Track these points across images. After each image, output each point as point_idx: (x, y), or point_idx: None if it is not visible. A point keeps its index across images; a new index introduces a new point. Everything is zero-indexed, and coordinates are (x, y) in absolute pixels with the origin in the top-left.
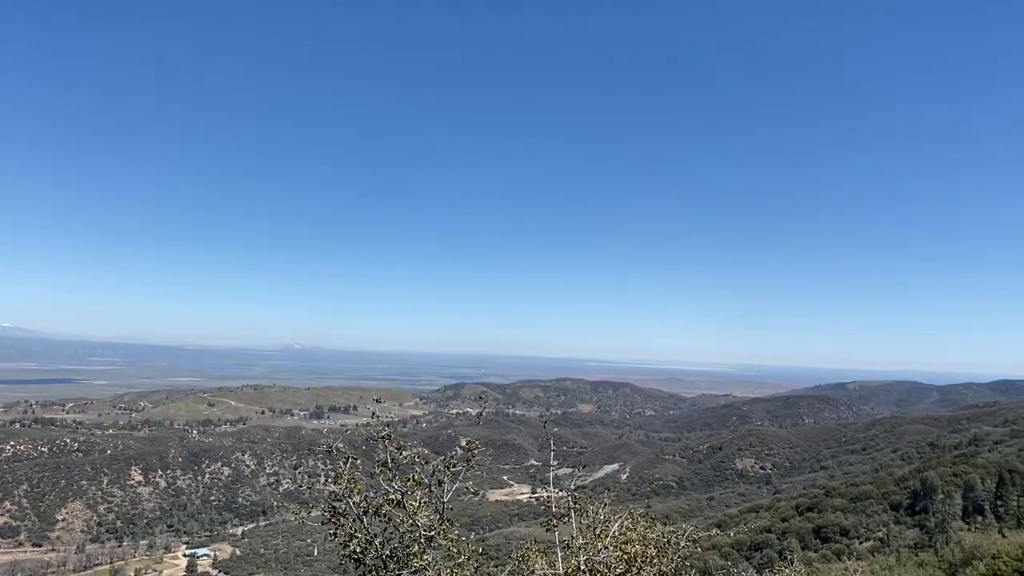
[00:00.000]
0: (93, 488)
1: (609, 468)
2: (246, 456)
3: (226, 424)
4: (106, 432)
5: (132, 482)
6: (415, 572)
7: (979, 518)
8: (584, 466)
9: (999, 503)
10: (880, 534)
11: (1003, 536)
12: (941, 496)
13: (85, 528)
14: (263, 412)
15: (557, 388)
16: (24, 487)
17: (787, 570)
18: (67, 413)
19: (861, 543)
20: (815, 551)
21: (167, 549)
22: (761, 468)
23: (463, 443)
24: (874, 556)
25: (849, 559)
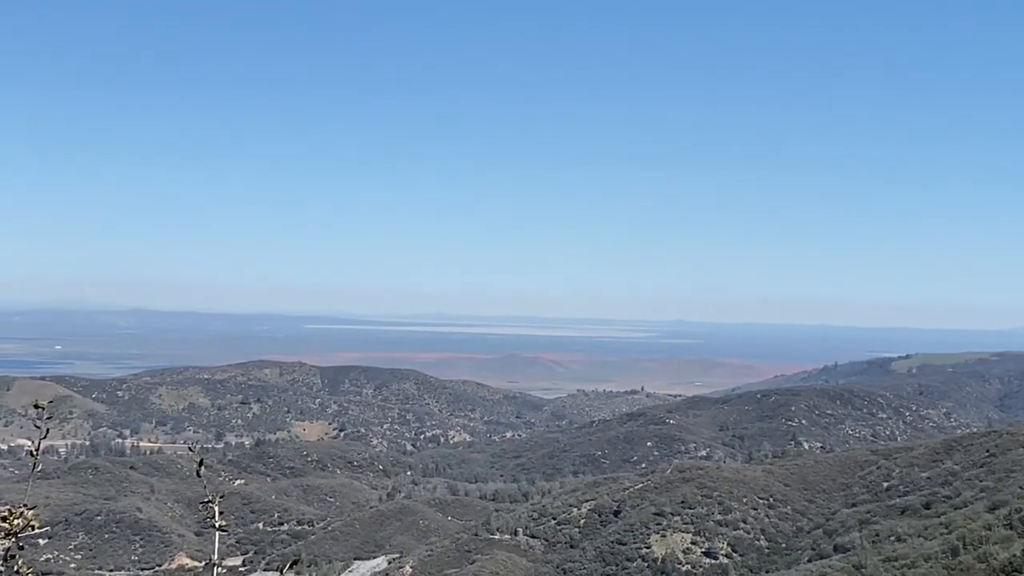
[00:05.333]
0: None
1: (365, 568)
2: None
3: None
4: None
5: None
6: None
7: None
8: (304, 565)
9: None
10: None
11: None
12: None
13: None
14: None
15: (243, 384)
16: None
17: None
18: None
19: None
20: None
21: None
22: (707, 555)
23: (3, 515)
24: None
25: None
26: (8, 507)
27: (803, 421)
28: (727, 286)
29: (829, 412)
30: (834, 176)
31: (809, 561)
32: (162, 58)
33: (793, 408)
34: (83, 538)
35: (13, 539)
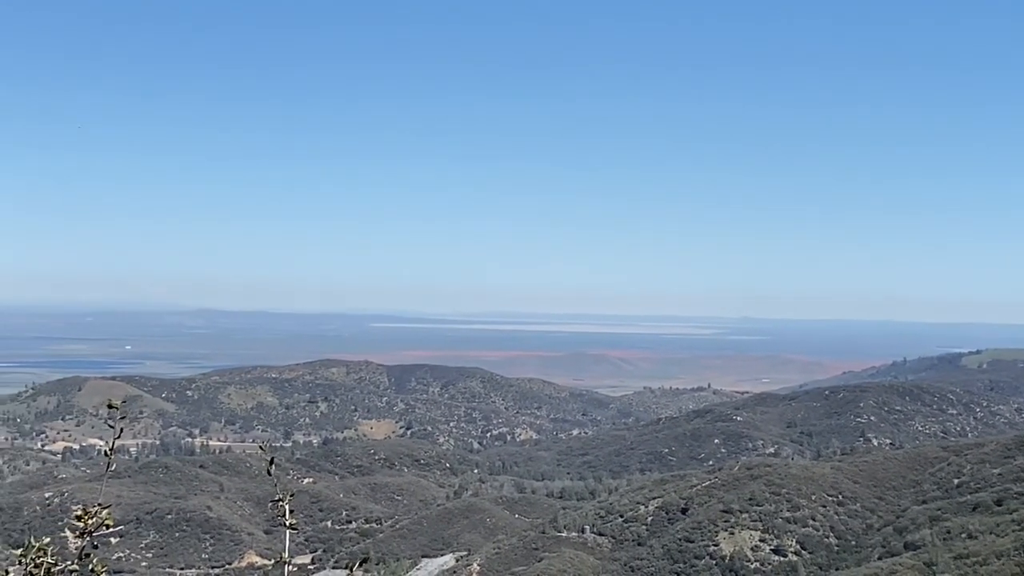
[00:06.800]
0: None
1: (433, 566)
2: None
3: None
4: None
5: None
6: None
7: None
8: (372, 563)
9: None
10: None
11: None
12: None
13: None
14: None
15: (311, 383)
16: None
17: None
18: None
19: None
20: None
21: None
22: (776, 552)
23: (77, 514)
24: None
25: None
26: (83, 506)
27: (872, 418)
28: (795, 282)
29: (898, 408)
30: (904, 173)
31: (879, 559)
32: (229, 60)
33: (862, 405)
34: (154, 536)
35: (88, 538)
